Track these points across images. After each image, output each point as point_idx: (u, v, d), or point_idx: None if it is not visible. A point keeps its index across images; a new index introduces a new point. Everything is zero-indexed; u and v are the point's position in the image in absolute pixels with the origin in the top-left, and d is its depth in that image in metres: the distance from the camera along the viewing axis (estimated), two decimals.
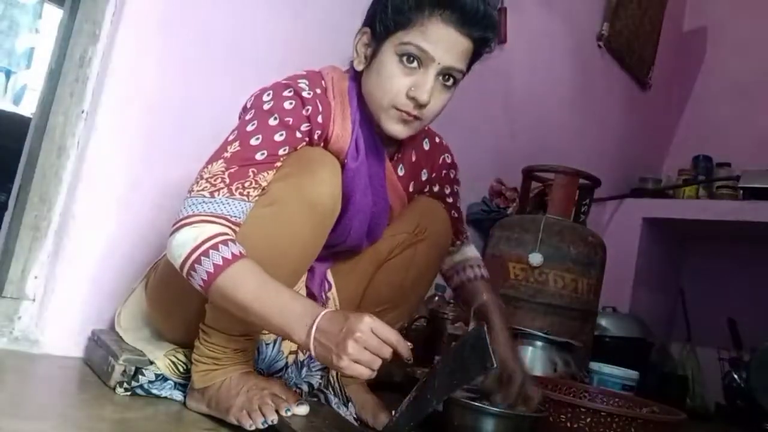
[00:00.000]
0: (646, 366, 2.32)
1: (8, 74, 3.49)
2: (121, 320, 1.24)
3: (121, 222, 1.36)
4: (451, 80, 1.07)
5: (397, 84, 1.04)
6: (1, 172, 1.78)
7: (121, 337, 1.21)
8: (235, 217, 0.97)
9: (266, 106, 1.03)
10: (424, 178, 1.28)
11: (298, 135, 1.03)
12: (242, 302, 0.92)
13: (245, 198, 0.98)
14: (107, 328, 1.32)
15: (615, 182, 3.07)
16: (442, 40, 1.02)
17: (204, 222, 0.95)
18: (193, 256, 0.93)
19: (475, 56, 1.10)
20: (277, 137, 1.01)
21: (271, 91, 1.05)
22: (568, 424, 1.19)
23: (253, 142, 1.00)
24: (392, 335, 0.89)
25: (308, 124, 1.04)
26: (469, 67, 1.10)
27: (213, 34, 1.50)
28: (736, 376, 2.56)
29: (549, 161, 2.10)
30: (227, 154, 1.00)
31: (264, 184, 1.00)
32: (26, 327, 1.28)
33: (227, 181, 0.97)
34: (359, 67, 1.10)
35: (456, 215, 1.34)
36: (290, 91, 1.04)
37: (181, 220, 0.96)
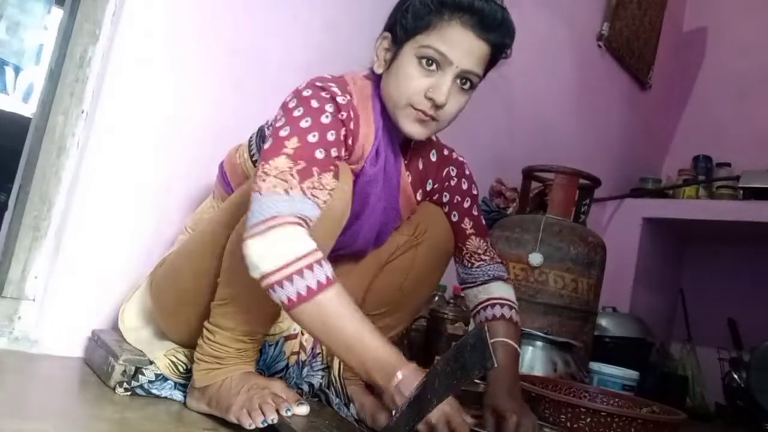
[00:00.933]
0: (646, 366, 2.32)
1: (17, 71, 3.47)
2: (124, 317, 1.24)
3: (122, 222, 1.36)
4: (468, 84, 1.09)
5: (415, 84, 1.06)
6: (1, 172, 1.78)
7: (121, 336, 1.21)
8: (311, 218, 0.94)
9: (314, 104, 1.01)
10: (428, 188, 1.28)
11: (342, 137, 1.03)
12: (330, 331, 0.92)
13: (316, 199, 0.95)
14: (107, 328, 1.32)
15: (615, 182, 3.08)
16: (460, 44, 1.04)
17: (287, 224, 0.91)
18: (284, 273, 0.89)
19: (491, 62, 1.12)
20: (329, 136, 1.00)
21: (310, 90, 1.03)
22: (568, 424, 1.19)
23: (311, 138, 0.98)
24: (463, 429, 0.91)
25: (344, 129, 1.04)
26: (485, 73, 1.12)
27: (213, 33, 1.50)
28: (736, 376, 2.57)
29: (549, 161, 2.10)
30: (288, 150, 0.96)
31: (328, 186, 0.97)
32: (26, 327, 1.28)
33: (297, 178, 0.94)
34: (379, 71, 1.12)
35: (466, 222, 1.30)
36: (327, 94, 1.03)
37: (262, 222, 0.91)
